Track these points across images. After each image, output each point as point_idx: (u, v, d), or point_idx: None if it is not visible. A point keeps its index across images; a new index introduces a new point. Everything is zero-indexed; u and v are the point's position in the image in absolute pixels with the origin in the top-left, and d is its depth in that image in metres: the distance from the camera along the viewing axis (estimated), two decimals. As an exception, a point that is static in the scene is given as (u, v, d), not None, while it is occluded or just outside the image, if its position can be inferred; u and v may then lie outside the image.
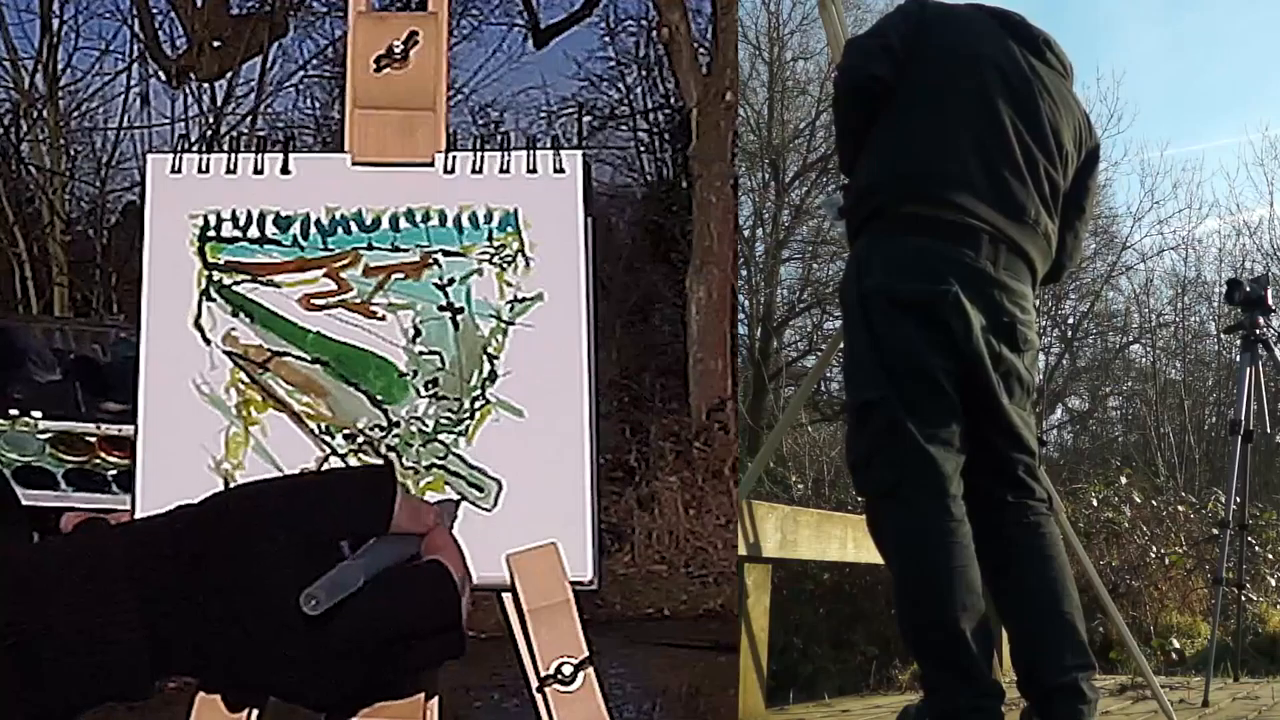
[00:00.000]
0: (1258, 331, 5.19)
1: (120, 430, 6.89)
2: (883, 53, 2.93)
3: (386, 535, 0.79)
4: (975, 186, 2.78)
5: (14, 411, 7.18)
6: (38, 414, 7.17)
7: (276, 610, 0.72)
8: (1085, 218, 3.07)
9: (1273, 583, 8.01)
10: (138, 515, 0.99)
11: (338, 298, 1.02)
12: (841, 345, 3.17)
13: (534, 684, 0.95)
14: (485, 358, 1.01)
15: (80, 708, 0.74)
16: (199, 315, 1.01)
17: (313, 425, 1.00)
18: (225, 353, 1.01)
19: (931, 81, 2.87)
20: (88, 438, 7.19)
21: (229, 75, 8.60)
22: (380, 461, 0.94)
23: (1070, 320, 15.61)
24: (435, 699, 1.03)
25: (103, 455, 7.23)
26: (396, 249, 1.03)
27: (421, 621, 0.78)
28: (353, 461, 1.00)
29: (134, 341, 1.02)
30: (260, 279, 1.02)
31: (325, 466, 1.00)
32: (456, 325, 1.02)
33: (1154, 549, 7.99)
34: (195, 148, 1.04)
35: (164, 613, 0.74)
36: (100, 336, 8.76)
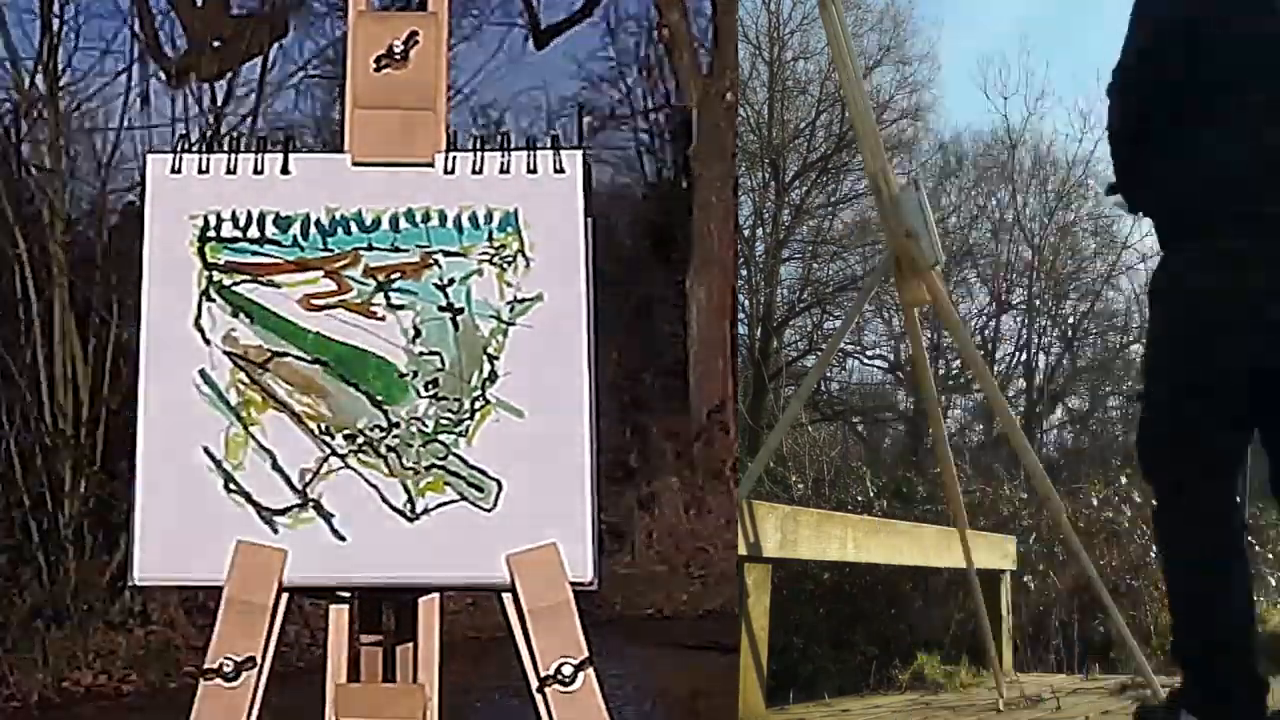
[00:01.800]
0: (1258, 331, 5.19)
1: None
2: (1153, 86, 2.83)
3: None
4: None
5: None
6: None
7: None
8: None
9: (1273, 583, 8.00)
10: (137, 514, 0.99)
11: (338, 298, 1.02)
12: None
13: (534, 684, 0.95)
14: (485, 358, 1.01)
15: None
16: (199, 315, 1.01)
17: (313, 425, 1.00)
18: (225, 353, 1.01)
19: (1219, 76, 2.80)
20: None
21: (229, 75, 8.59)
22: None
23: (1070, 320, 15.61)
24: (435, 699, 1.03)
25: None
26: (396, 249, 1.03)
27: None
28: (353, 463, 1.00)
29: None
30: (260, 279, 1.02)
31: (325, 467, 1.00)
32: (456, 326, 1.02)
33: (1154, 549, 7.98)
34: (195, 148, 1.04)
35: None
36: None
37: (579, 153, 1.04)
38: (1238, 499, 2.78)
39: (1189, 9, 2.83)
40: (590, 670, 0.94)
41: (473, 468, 0.99)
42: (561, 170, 1.04)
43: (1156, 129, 2.82)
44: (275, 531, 0.98)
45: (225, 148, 1.05)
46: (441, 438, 1.00)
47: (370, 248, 1.03)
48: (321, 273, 1.01)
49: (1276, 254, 2.71)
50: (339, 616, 1.05)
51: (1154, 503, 2.89)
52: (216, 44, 9.16)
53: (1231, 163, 2.76)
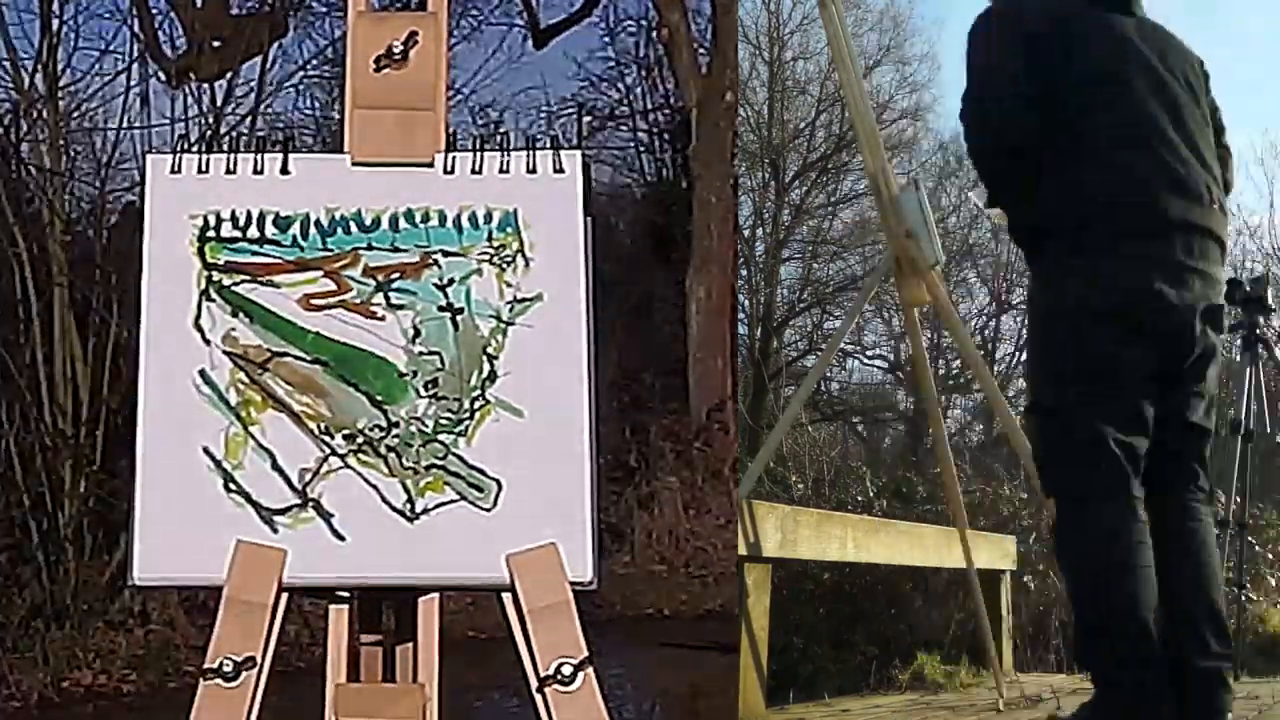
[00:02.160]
0: (1258, 331, 5.20)
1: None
2: (1018, 109, 2.84)
3: None
4: (1155, 185, 2.80)
5: None
6: None
7: None
8: (1226, 138, 3.05)
9: (1273, 583, 8.01)
10: (137, 514, 0.99)
11: (337, 298, 1.02)
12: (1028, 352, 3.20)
13: (534, 684, 0.95)
14: (485, 358, 1.02)
15: None
16: (199, 315, 1.02)
17: (313, 425, 1.00)
18: (225, 353, 1.01)
19: (1082, 96, 2.85)
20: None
21: (229, 75, 8.59)
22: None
23: (1070, 320, 15.54)
24: (435, 699, 1.03)
25: None
26: (396, 249, 1.03)
27: None
28: (353, 463, 1.00)
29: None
30: (260, 279, 1.02)
31: (325, 467, 1.00)
32: (456, 325, 1.02)
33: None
34: (195, 148, 1.04)
35: None
36: None
37: (579, 153, 1.05)
38: (1138, 490, 2.78)
39: (1047, 26, 2.89)
40: (590, 670, 0.94)
41: (472, 468, 0.99)
42: (561, 170, 1.04)
43: (1029, 146, 2.85)
44: (275, 531, 0.98)
45: (225, 148, 1.05)
46: (441, 438, 1.00)
47: (370, 248, 1.03)
48: (321, 273, 1.01)
49: (1149, 267, 2.77)
50: (339, 616, 1.05)
51: (1060, 498, 2.89)
52: (216, 44, 9.16)
53: (1100, 181, 2.81)
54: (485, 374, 1.01)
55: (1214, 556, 2.94)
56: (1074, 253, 2.89)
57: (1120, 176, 2.85)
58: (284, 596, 0.97)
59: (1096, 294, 2.81)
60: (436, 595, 1.05)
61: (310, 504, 0.99)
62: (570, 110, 14.37)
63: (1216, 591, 2.90)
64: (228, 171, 1.03)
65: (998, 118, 2.87)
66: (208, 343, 1.02)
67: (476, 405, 1.00)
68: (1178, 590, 2.88)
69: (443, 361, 1.00)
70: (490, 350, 1.00)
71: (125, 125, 8.02)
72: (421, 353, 1.00)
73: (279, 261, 1.02)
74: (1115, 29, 2.93)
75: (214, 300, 1.01)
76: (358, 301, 1.02)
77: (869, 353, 15.19)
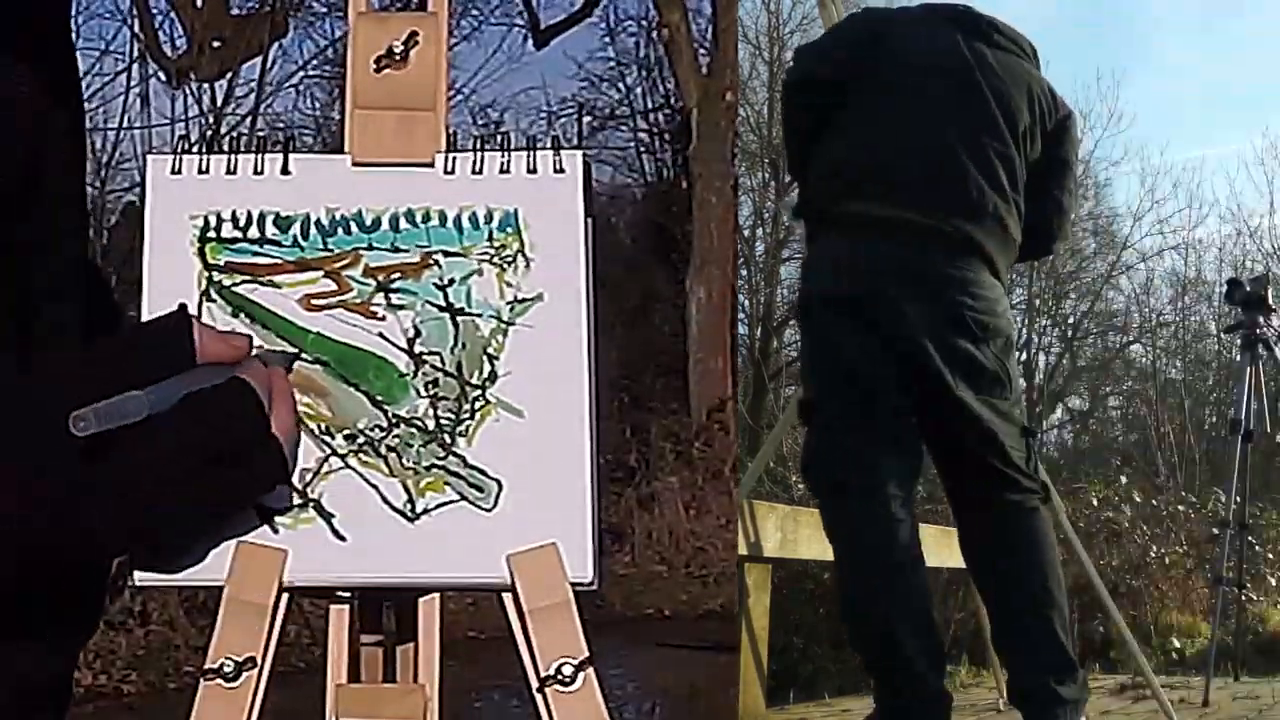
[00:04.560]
0: (1258, 331, 5.20)
1: None
2: (822, 54, 3.03)
3: (191, 370, 0.78)
4: (914, 184, 2.79)
5: None
6: None
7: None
8: (1066, 190, 3.03)
9: (1273, 582, 8.01)
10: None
11: (338, 298, 1.02)
12: None
13: (534, 684, 0.95)
14: (486, 358, 1.02)
15: None
16: (199, 316, 1.01)
17: (313, 425, 1.00)
18: (225, 353, 1.01)
19: (873, 87, 2.89)
20: None
21: (229, 75, 8.60)
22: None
23: (1070, 320, 15.61)
24: (435, 699, 1.03)
25: None
26: (396, 249, 1.03)
27: (223, 437, 0.77)
28: (353, 463, 1.00)
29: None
30: (260, 280, 1.02)
31: (325, 467, 1.00)
32: (457, 325, 1.02)
33: (1154, 549, 7.99)
34: (195, 148, 1.04)
35: None
36: None
37: (579, 153, 1.04)
38: (896, 489, 2.72)
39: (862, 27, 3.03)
40: (590, 670, 0.94)
41: (472, 468, 0.99)
42: (561, 170, 1.04)
43: (810, 131, 2.92)
44: (275, 531, 0.98)
45: (225, 148, 1.05)
46: (441, 438, 1.00)
47: (370, 248, 1.03)
48: (321, 273, 1.01)
49: (892, 259, 2.74)
50: (339, 616, 1.05)
51: (820, 497, 2.88)
52: (216, 44, 9.17)
53: (850, 167, 2.83)
54: (486, 374, 1.00)
55: (1043, 567, 2.80)
56: (821, 237, 2.90)
57: (856, 163, 2.84)
58: (284, 597, 0.97)
59: (831, 285, 2.80)
60: (437, 595, 1.05)
61: (311, 504, 0.99)
62: (570, 110, 14.39)
63: (1045, 603, 2.76)
64: (228, 172, 1.03)
65: (803, 60, 3.07)
66: (208, 343, 1.01)
67: (477, 405, 1.00)
68: (1000, 609, 2.84)
69: (443, 361, 1.00)
70: (491, 350, 1.00)
71: (125, 125, 8.03)
72: (422, 353, 1.00)
73: (280, 262, 1.02)
74: (937, 38, 2.95)
75: (215, 301, 1.01)
76: (358, 302, 1.02)
77: (869, 353, 15.16)
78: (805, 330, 2.89)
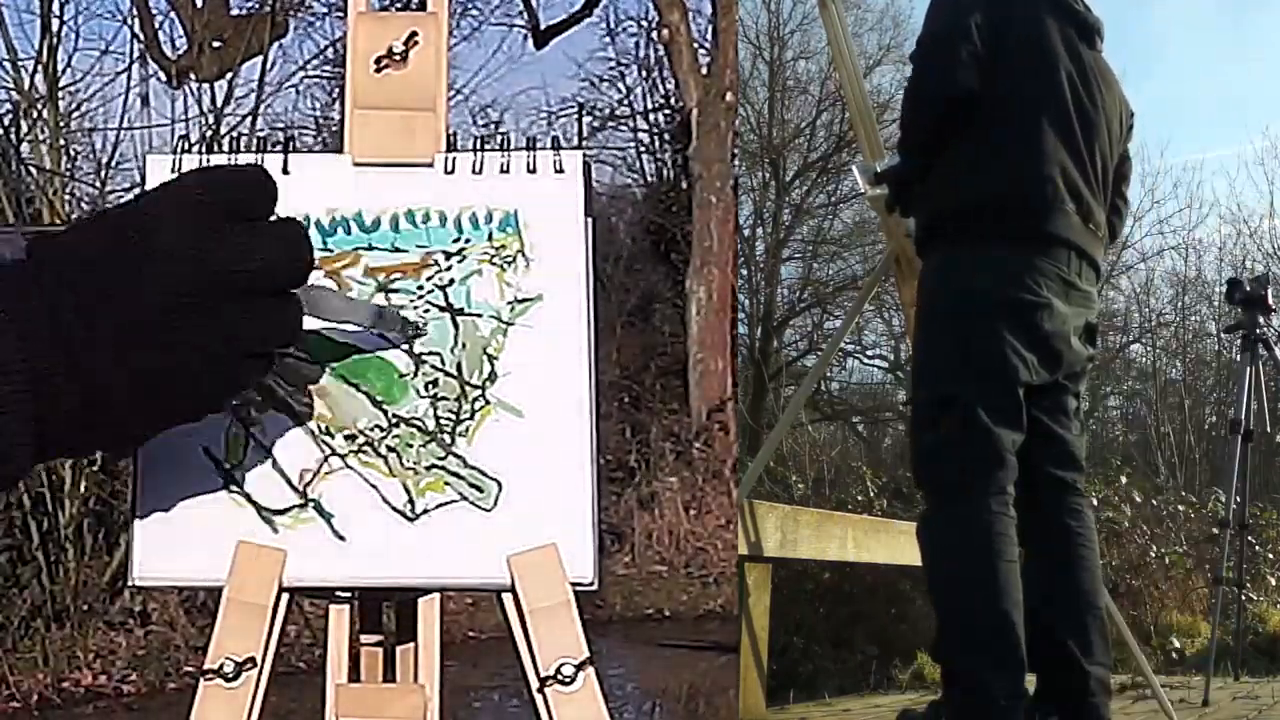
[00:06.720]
0: (1258, 331, 5.20)
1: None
2: (972, 62, 2.85)
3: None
4: (1060, 200, 2.87)
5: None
6: None
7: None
8: (1127, 188, 3.16)
9: (1273, 582, 8.01)
10: (139, 515, 0.99)
11: (338, 298, 1.02)
12: (911, 345, 3.23)
13: (534, 684, 0.95)
14: (485, 358, 1.01)
15: None
16: (199, 316, 1.01)
17: (313, 425, 1.00)
18: (225, 353, 1.01)
19: (1013, 90, 2.89)
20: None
21: (229, 76, 8.60)
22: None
23: (1070, 320, 15.56)
24: (435, 699, 1.03)
25: None
26: (396, 250, 1.03)
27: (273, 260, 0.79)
28: (353, 463, 1.00)
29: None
30: (260, 279, 1.02)
31: (325, 467, 1.00)
32: (456, 325, 1.02)
33: (1154, 549, 7.99)
34: (195, 149, 1.04)
35: (50, 383, 0.71)
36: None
37: (579, 153, 1.04)
38: (1012, 489, 2.81)
39: (986, 14, 2.92)
40: (590, 670, 0.94)
41: (472, 468, 0.99)
42: (561, 170, 1.04)
43: (965, 100, 2.88)
44: (275, 531, 0.98)
45: (225, 148, 1.04)
46: (441, 438, 1.00)
47: (370, 248, 1.03)
48: (322, 273, 1.01)
49: (1049, 270, 2.84)
50: (339, 616, 1.05)
51: (938, 490, 2.91)
52: (216, 44, 9.17)
53: (1012, 179, 2.84)
54: (486, 374, 1.00)
55: (1097, 563, 2.98)
56: (971, 243, 2.91)
57: (1019, 176, 2.88)
58: (284, 597, 0.96)
59: (992, 288, 2.84)
60: (437, 595, 1.05)
61: (311, 504, 0.99)
62: (570, 110, 14.38)
63: (1101, 595, 2.94)
64: (228, 172, 1.03)
65: (948, 63, 2.89)
66: (208, 343, 1.01)
67: (477, 405, 1.00)
68: (1063, 592, 2.90)
69: (443, 362, 1.00)
70: (491, 350, 1.00)
71: (125, 125, 8.03)
72: (422, 353, 1.00)
73: (279, 262, 1.01)
74: (1061, 40, 2.95)
75: (214, 300, 1.00)
76: (358, 302, 1.02)
77: (869, 353, 15.19)
78: (951, 329, 2.90)
